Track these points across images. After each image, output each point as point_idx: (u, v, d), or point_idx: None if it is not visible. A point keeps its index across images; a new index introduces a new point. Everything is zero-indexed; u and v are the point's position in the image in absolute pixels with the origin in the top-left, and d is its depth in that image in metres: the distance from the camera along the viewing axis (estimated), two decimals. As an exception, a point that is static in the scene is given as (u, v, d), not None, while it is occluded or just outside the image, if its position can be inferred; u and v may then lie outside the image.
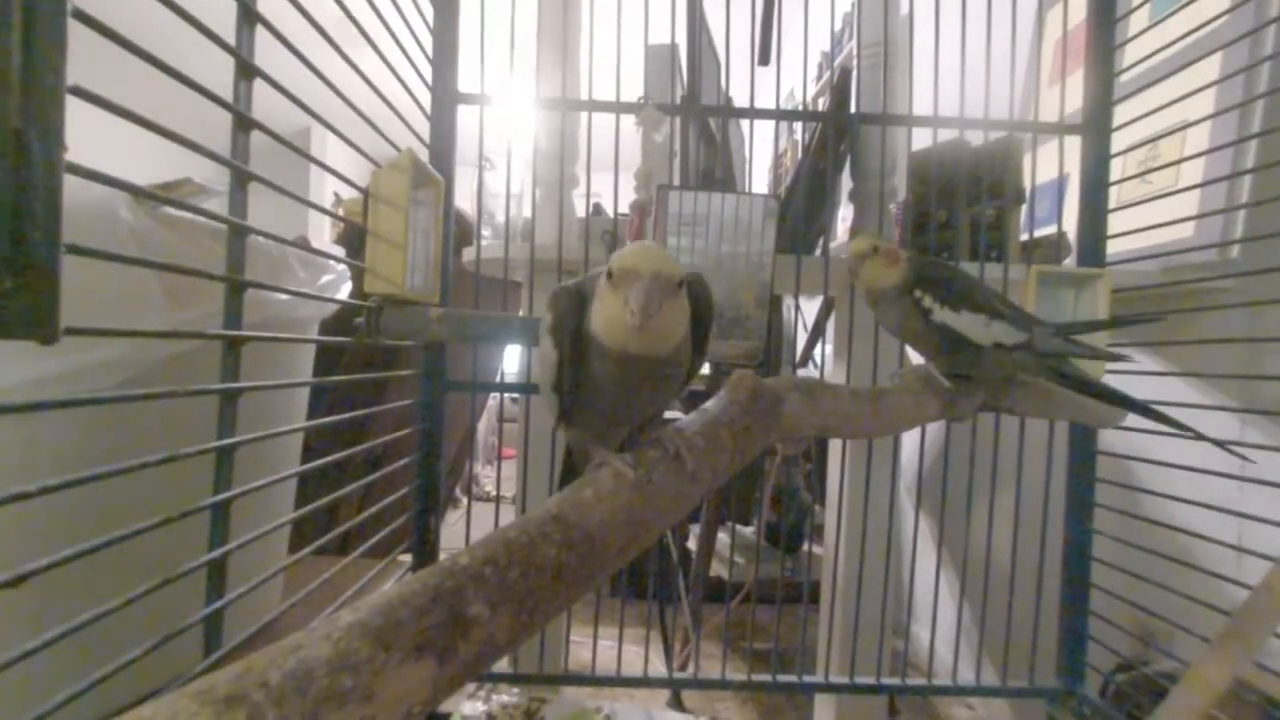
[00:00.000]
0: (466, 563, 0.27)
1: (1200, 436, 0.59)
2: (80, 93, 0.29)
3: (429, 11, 0.77)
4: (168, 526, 0.37)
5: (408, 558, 0.80)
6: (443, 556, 0.78)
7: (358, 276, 0.61)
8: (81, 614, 0.33)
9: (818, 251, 1.05)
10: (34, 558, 0.29)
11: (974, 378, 0.58)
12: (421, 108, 0.77)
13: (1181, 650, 0.75)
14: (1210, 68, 0.78)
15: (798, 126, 1.46)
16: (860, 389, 0.52)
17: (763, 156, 2.32)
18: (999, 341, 0.54)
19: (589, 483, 0.32)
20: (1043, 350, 0.55)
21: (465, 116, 0.81)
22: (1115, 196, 0.82)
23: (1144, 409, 0.57)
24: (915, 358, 0.87)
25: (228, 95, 0.42)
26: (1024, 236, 0.93)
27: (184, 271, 0.39)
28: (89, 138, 0.42)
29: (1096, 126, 0.81)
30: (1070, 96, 0.83)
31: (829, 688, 0.86)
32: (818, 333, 1.26)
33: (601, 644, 0.86)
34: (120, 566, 0.35)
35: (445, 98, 0.79)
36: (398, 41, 0.66)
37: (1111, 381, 0.73)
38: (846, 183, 1.03)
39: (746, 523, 1.68)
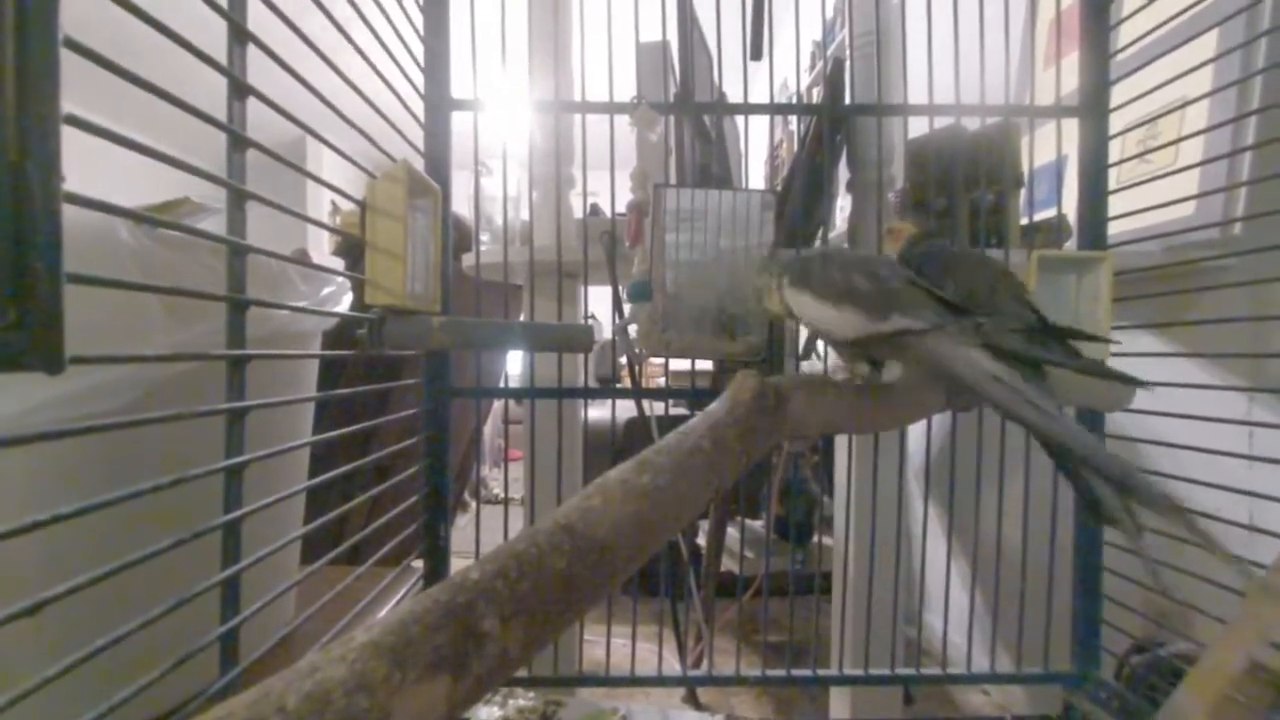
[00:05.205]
0: (477, 577, 0.27)
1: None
2: (75, 122, 0.29)
3: (419, 19, 0.77)
4: (176, 537, 0.38)
5: (419, 564, 0.81)
6: (453, 561, 0.79)
7: (358, 287, 0.61)
8: (84, 621, 0.33)
9: (817, 244, 1.05)
10: (38, 565, 0.29)
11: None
12: (415, 116, 0.77)
13: (1196, 631, 0.75)
14: (1207, 44, 0.77)
15: (793, 118, 1.46)
16: (864, 383, 0.52)
17: (758, 149, 2.31)
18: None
19: (597, 491, 0.33)
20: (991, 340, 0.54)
21: (460, 121, 0.81)
22: (1115, 178, 0.81)
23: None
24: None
25: (222, 109, 0.43)
26: (1024, 220, 0.93)
27: (187, 294, 0.39)
28: (86, 155, 0.42)
29: (1094, 108, 0.81)
30: (1066, 78, 0.82)
31: (844, 680, 0.87)
32: (820, 324, 1.26)
33: (615, 643, 0.86)
34: (128, 579, 0.35)
35: (439, 105, 0.79)
36: (388, 51, 0.66)
37: (1116, 361, 0.73)
38: (844, 173, 1.02)
39: (755, 517, 1.68)
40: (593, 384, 0.95)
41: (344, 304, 0.71)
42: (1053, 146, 0.80)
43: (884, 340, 0.44)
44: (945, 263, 0.54)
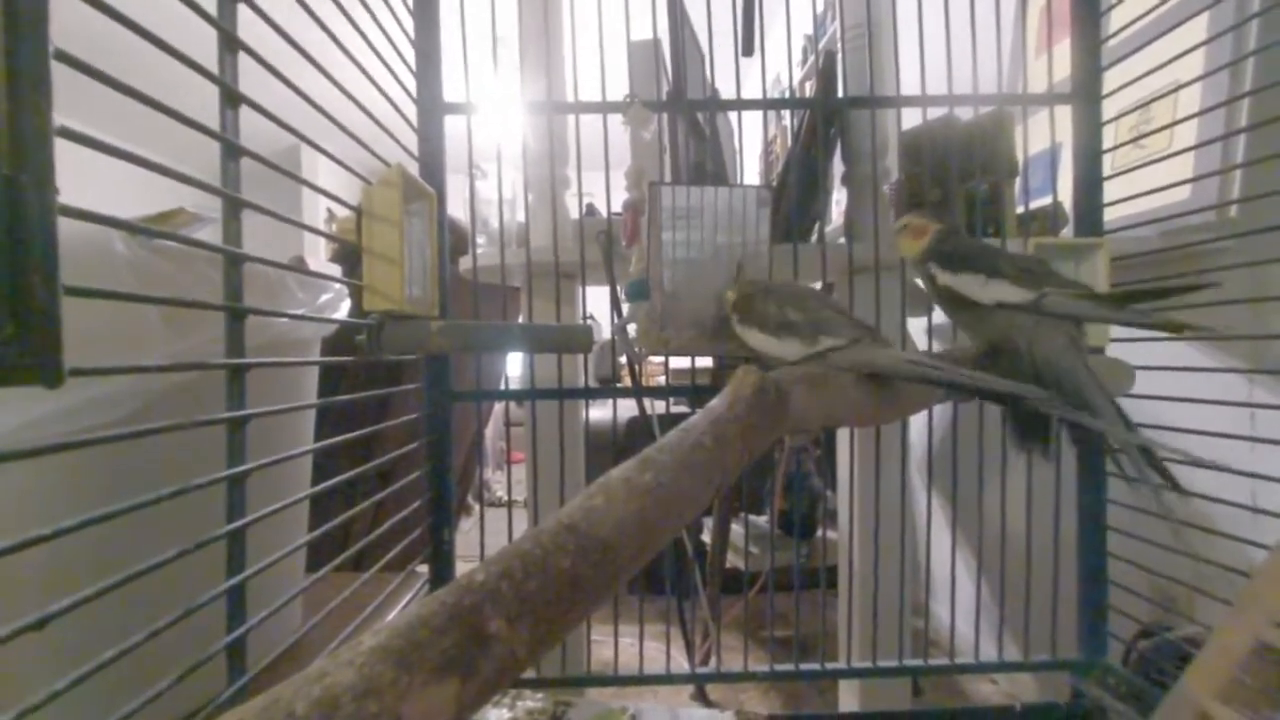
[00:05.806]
0: (483, 579, 0.27)
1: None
2: (68, 134, 0.29)
3: (409, 23, 0.77)
4: (180, 546, 0.38)
5: (424, 568, 0.81)
6: (458, 564, 0.79)
7: (356, 292, 0.61)
8: (90, 627, 0.33)
9: (814, 238, 1.05)
10: (42, 573, 0.29)
11: (989, 340, 0.58)
12: (408, 121, 0.77)
13: (1202, 614, 0.75)
14: (1198, 27, 0.77)
15: (786, 113, 1.46)
16: (864, 377, 0.52)
17: (753, 144, 2.31)
18: (1000, 300, 0.55)
19: (600, 490, 0.33)
20: (1048, 309, 0.54)
21: (453, 124, 0.81)
22: (1110, 164, 0.81)
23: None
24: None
25: (215, 118, 0.42)
26: (1019, 209, 0.93)
27: (185, 304, 0.39)
28: (79, 167, 0.42)
29: (1086, 94, 0.81)
30: (1058, 65, 0.82)
31: (852, 673, 0.87)
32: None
33: (622, 642, 0.86)
34: (133, 587, 0.35)
35: (432, 109, 0.79)
36: (380, 56, 0.65)
37: (1116, 346, 0.73)
38: (839, 166, 1.02)
39: (759, 513, 1.68)
40: (593, 384, 0.95)
41: (342, 310, 0.71)
42: (1047, 134, 0.80)
43: (817, 356, 0.55)
44: (987, 253, 0.59)
